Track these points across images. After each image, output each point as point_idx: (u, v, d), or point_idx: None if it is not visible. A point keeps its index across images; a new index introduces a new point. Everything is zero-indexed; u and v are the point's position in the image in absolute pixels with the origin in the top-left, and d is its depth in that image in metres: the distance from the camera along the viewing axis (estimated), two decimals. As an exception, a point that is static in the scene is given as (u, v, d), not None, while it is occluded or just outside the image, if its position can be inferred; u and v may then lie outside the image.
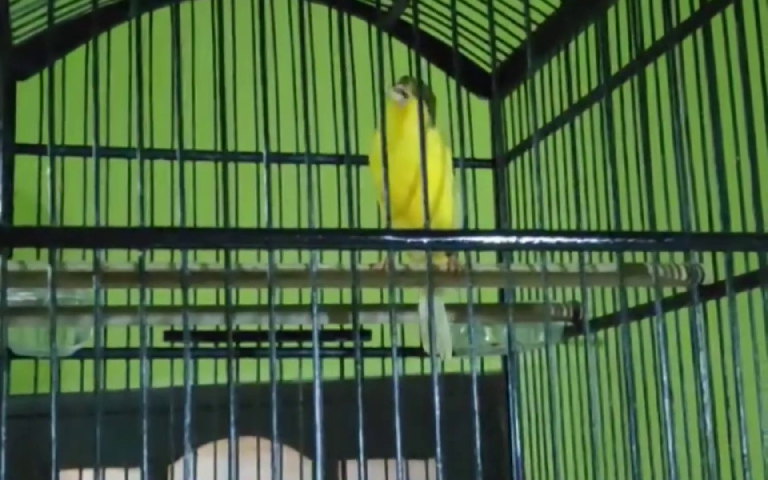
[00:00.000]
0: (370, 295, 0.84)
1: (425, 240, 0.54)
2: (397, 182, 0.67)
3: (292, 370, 1.00)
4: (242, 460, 0.94)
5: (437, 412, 0.53)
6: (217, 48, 0.58)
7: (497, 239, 0.55)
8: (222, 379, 0.97)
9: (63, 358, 0.90)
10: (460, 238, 0.55)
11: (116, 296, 0.83)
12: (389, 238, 0.53)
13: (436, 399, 0.53)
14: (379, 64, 0.59)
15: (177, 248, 0.51)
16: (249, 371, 0.97)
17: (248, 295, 0.89)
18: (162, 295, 0.88)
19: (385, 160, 0.55)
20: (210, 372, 0.97)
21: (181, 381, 0.94)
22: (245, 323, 0.88)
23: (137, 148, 0.53)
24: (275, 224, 0.54)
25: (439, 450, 0.51)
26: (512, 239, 0.55)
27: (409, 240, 0.54)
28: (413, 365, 1.01)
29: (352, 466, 1.37)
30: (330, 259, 0.72)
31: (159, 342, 0.94)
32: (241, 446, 0.94)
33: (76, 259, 0.65)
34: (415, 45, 0.61)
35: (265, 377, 0.97)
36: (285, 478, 0.59)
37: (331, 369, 1.00)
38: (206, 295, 0.85)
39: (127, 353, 0.96)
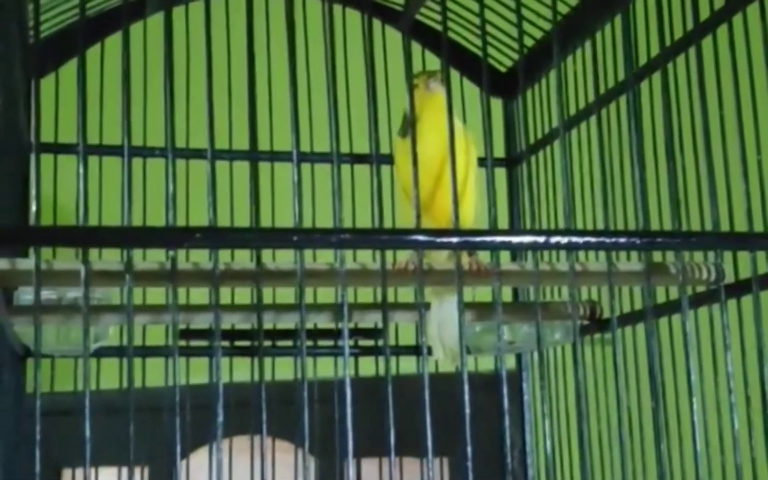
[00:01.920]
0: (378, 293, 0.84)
1: (455, 240, 0.54)
2: (424, 176, 0.67)
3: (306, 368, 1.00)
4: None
5: (467, 410, 0.53)
6: (237, 46, 0.58)
7: (527, 239, 0.55)
8: (237, 377, 0.97)
9: (81, 356, 0.89)
10: (490, 238, 0.55)
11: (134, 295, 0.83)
12: (420, 237, 0.53)
13: (466, 397, 0.53)
14: (406, 66, 0.60)
15: (208, 248, 0.51)
16: (264, 369, 0.97)
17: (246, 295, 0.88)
18: (178, 294, 0.88)
19: (415, 159, 0.56)
20: (225, 369, 0.97)
21: (196, 379, 0.94)
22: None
23: (167, 147, 0.53)
24: (284, 223, 0.54)
25: (469, 449, 0.51)
26: (541, 239, 0.55)
27: (438, 240, 0.54)
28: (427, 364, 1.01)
29: (366, 464, 1.37)
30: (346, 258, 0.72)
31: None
32: (253, 445, 0.95)
33: (93, 258, 0.65)
34: (444, 48, 0.61)
35: (280, 376, 0.97)
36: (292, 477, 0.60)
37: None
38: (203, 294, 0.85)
39: (144, 352, 0.97)
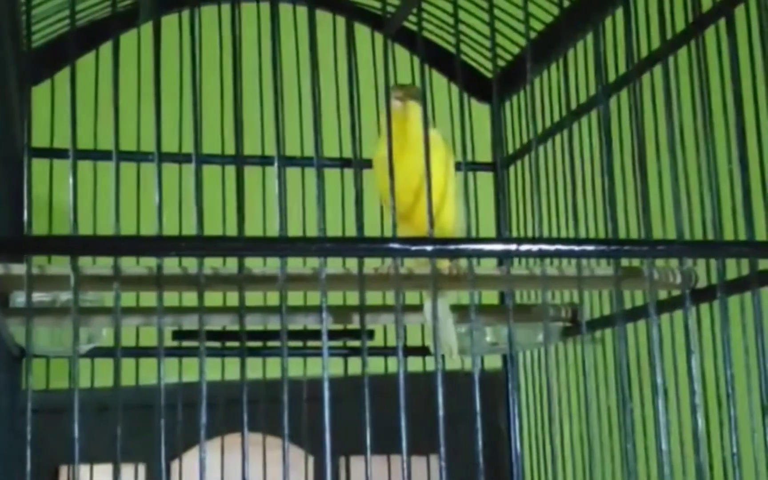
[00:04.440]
0: (373, 296, 0.86)
1: (429, 248, 0.56)
2: (402, 188, 0.69)
3: (296, 367, 1.01)
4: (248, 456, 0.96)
5: (441, 412, 0.55)
6: (229, 52, 0.59)
7: (498, 247, 0.58)
8: (228, 375, 0.99)
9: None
10: (463, 246, 0.57)
11: (126, 297, 0.85)
12: (395, 246, 0.55)
13: (440, 399, 0.55)
14: (385, 72, 0.62)
15: (195, 256, 0.53)
16: (255, 369, 0.99)
17: (252, 296, 0.90)
18: (170, 296, 0.90)
19: (391, 170, 0.58)
20: (217, 368, 0.99)
21: (188, 377, 0.96)
22: (252, 323, 0.90)
23: (155, 153, 0.55)
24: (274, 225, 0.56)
25: (443, 450, 0.54)
26: (512, 247, 0.57)
27: (413, 248, 0.56)
28: (415, 363, 1.03)
29: (355, 462, 1.39)
30: (333, 262, 0.74)
31: (167, 340, 0.97)
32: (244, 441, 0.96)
33: (86, 262, 0.67)
34: (420, 53, 0.63)
35: (270, 374, 1.00)
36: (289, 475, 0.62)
37: (335, 366, 1.02)
38: (210, 297, 0.87)
39: (137, 352, 0.99)
